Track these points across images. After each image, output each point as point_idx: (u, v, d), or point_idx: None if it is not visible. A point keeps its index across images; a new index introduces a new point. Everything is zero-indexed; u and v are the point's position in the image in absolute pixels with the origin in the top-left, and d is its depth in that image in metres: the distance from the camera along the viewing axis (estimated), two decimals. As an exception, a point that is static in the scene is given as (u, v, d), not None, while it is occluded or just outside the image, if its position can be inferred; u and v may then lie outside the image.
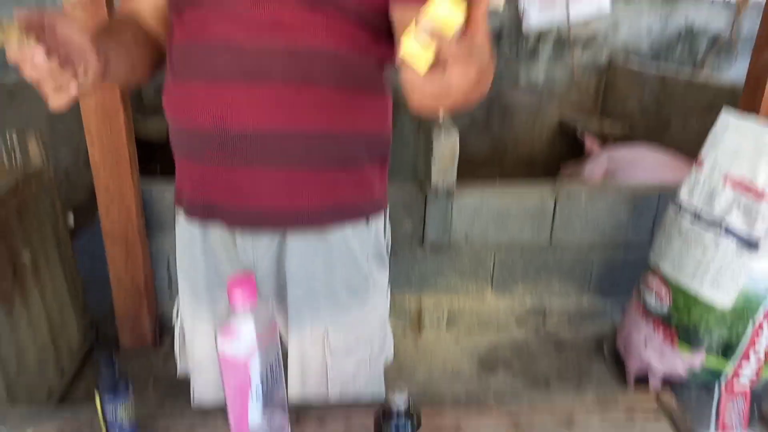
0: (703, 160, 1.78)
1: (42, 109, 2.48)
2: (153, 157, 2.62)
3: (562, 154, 4.15)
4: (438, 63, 0.56)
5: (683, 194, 1.82)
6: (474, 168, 3.98)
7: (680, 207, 1.84)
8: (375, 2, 0.84)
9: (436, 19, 0.52)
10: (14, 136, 1.82)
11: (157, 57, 0.96)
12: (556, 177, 3.77)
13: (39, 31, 0.66)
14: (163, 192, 2.13)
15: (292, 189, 0.91)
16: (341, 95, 0.88)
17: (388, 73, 0.94)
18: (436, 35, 0.53)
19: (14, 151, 1.85)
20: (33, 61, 0.64)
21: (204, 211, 0.96)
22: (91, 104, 1.79)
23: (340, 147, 0.91)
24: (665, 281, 1.86)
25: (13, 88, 2.62)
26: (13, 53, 0.64)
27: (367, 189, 0.98)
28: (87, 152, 1.90)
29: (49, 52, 0.65)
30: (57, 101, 0.68)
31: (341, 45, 0.85)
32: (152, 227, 2.15)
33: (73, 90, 0.68)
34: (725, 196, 1.71)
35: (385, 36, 0.89)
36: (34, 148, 1.85)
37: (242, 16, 0.83)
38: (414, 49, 0.54)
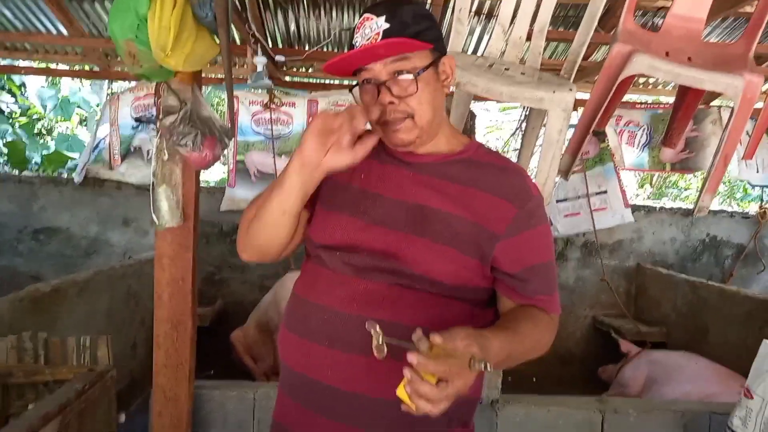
0: (753, 392, 1.78)
1: (104, 301, 2.65)
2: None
3: (598, 351, 4.13)
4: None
5: (736, 423, 1.80)
6: (510, 364, 3.95)
7: (735, 434, 1.81)
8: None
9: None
10: (87, 339, 1.96)
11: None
12: (594, 375, 3.71)
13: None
14: (212, 394, 2.17)
15: None
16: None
17: None
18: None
19: (84, 353, 1.97)
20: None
21: None
22: (164, 313, 1.94)
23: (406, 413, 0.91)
24: None
25: (82, 284, 2.86)
26: None
27: None
28: (134, 342, 1.96)
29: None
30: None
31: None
32: (197, 427, 2.15)
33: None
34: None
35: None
36: (103, 351, 1.97)
37: (344, 285, 0.96)
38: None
